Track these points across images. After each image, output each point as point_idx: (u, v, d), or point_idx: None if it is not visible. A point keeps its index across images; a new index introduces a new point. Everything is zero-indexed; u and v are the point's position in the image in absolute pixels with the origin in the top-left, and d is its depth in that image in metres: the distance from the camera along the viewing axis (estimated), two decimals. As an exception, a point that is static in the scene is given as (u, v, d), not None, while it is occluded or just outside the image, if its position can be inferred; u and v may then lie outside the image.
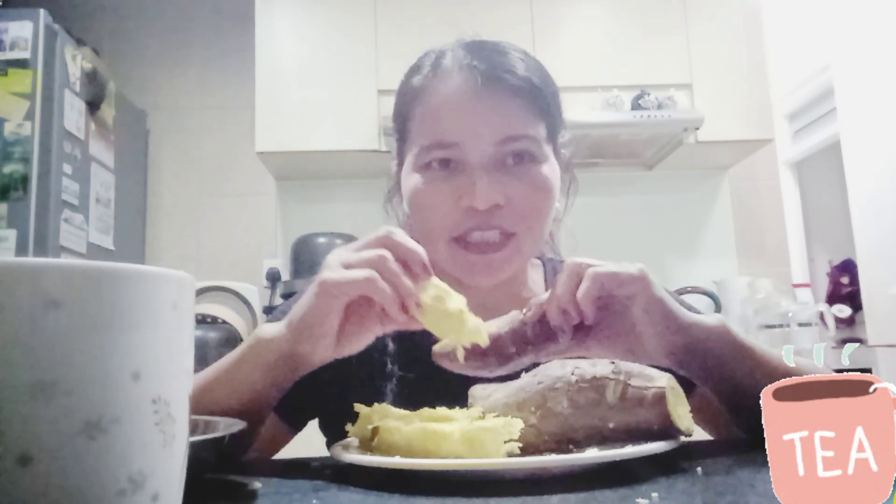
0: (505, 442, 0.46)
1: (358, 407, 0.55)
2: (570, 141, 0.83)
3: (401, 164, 0.80)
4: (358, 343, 0.59)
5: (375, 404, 0.55)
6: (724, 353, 0.58)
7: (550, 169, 0.74)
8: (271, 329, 0.61)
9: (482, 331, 0.55)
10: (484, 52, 0.74)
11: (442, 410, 0.53)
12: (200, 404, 0.59)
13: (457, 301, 0.55)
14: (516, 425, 0.47)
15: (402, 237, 0.56)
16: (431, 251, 0.73)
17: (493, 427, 0.46)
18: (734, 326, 0.60)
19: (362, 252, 0.55)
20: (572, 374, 0.52)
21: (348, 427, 0.55)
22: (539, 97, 0.73)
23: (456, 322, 0.54)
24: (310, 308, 0.56)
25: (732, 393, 0.61)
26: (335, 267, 0.56)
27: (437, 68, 0.75)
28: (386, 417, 0.52)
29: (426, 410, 0.53)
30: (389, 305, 0.53)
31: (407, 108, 0.77)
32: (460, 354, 0.55)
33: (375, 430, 0.51)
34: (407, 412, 0.54)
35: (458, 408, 0.55)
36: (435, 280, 0.55)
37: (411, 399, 0.60)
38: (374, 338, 0.59)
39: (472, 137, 0.71)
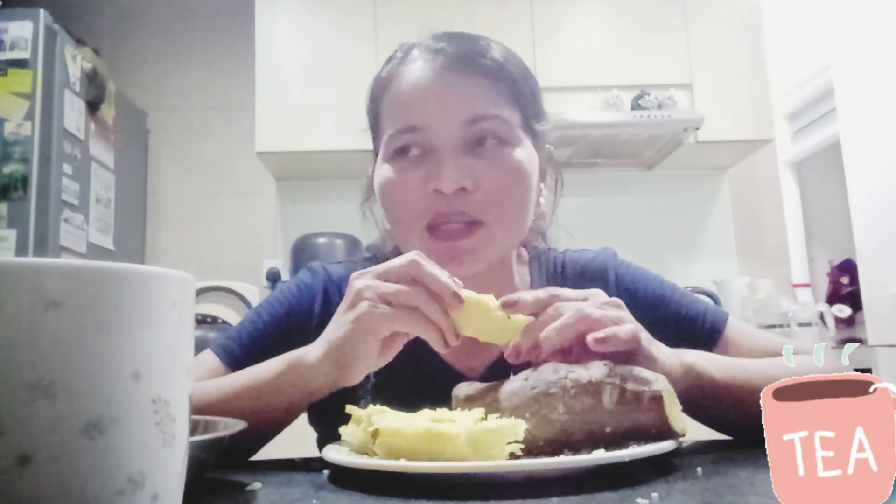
0: (508, 443, 0.46)
1: (350, 409, 0.54)
2: (552, 131, 0.80)
3: (374, 160, 0.78)
4: (391, 355, 0.60)
5: (371, 405, 0.54)
6: (696, 395, 0.59)
7: (526, 154, 0.71)
8: (308, 358, 0.61)
9: (527, 320, 0.56)
10: (454, 38, 0.73)
11: (443, 412, 0.53)
12: (224, 409, 0.60)
13: (492, 302, 0.57)
14: (520, 426, 0.47)
15: (430, 266, 0.56)
16: (406, 242, 0.72)
17: (498, 428, 0.46)
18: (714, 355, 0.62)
19: (399, 288, 0.56)
20: (566, 378, 0.51)
21: (342, 429, 0.55)
22: (508, 80, 0.71)
23: (508, 328, 0.57)
24: (352, 342, 0.57)
25: (712, 423, 0.65)
26: (373, 298, 0.56)
27: (405, 56, 0.74)
28: (383, 419, 0.51)
29: (426, 412, 0.53)
30: (433, 342, 0.56)
31: (377, 100, 0.76)
32: (523, 348, 0.57)
33: (376, 433, 0.50)
34: (406, 414, 0.53)
35: (445, 409, 0.54)
36: (466, 294, 0.57)
37: (386, 401, 0.59)
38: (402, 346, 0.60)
39: (438, 119, 0.69)
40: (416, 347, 0.78)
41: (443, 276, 0.55)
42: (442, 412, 0.53)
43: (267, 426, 0.64)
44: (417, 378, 0.71)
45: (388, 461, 0.47)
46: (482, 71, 0.70)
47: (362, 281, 0.58)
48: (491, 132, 0.70)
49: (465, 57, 0.70)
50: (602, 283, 0.79)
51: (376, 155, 0.78)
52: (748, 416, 0.58)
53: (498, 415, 0.51)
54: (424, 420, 0.50)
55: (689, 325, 0.76)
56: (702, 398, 0.60)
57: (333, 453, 0.51)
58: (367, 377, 0.74)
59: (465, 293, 0.56)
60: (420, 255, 0.57)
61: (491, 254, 0.71)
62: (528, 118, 0.74)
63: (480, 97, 0.70)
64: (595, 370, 0.51)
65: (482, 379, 0.61)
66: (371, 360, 0.58)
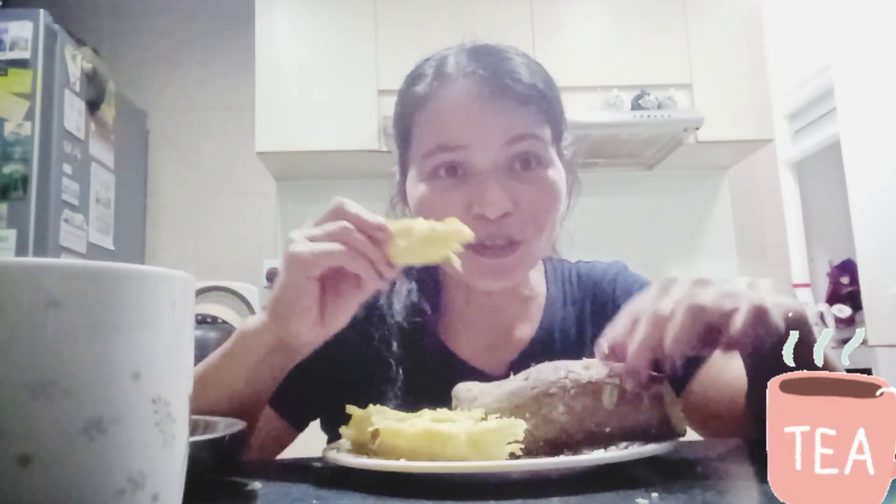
0: (508, 443, 0.46)
1: (350, 409, 0.54)
2: (573, 143, 0.83)
3: (404, 173, 0.79)
4: (344, 315, 0.59)
5: (371, 405, 0.54)
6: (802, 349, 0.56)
7: (556, 172, 0.74)
8: (253, 321, 0.61)
9: (460, 226, 0.56)
10: (487, 58, 0.74)
11: (443, 412, 0.53)
12: (194, 399, 0.59)
13: (420, 224, 0.56)
14: (520, 426, 0.47)
15: (355, 207, 0.56)
16: None
17: (497, 428, 0.46)
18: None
19: (325, 225, 0.56)
20: (566, 378, 0.51)
21: (342, 429, 0.54)
22: (543, 101, 0.73)
23: (434, 239, 0.55)
24: (284, 286, 0.56)
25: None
26: (301, 240, 0.56)
27: (441, 75, 0.74)
28: (384, 419, 0.51)
29: (426, 412, 0.53)
30: (364, 272, 0.55)
31: (409, 115, 0.76)
32: (457, 263, 0.56)
33: (376, 433, 0.50)
34: (405, 414, 0.53)
35: (446, 409, 0.54)
36: (392, 223, 0.56)
37: (415, 401, 0.59)
38: (358, 307, 0.60)
39: (478, 139, 0.70)
40: (441, 351, 0.78)
41: (365, 213, 0.56)
42: (442, 412, 0.53)
43: (239, 407, 0.63)
44: (442, 379, 0.72)
45: (387, 461, 0.46)
46: (519, 97, 0.71)
47: (295, 231, 0.58)
48: (529, 152, 0.71)
49: (502, 83, 0.71)
50: (611, 297, 0.82)
51: (402, 167, 0.79)
52: None
53: (497, 415, 0.51)
54: (424, 420, 0.50)
55: None
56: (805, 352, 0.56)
57: (333, 453, 0.51)
58: (395, 378, 0.74)
59: (391, 223, 0.56)
60: (345, 199, 0.57)
61: (529, 268, 0.75)
62: (557, 134, 0.76)
63: (519, 119, 0.71)
64: (595, 370, 0.51)
65: (506, 377, 0.62)
66: (308, 307, 0.56)
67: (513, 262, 0.71)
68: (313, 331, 0.58)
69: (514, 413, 0.50)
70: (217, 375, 0.63)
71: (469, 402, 0.54)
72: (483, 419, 0.49)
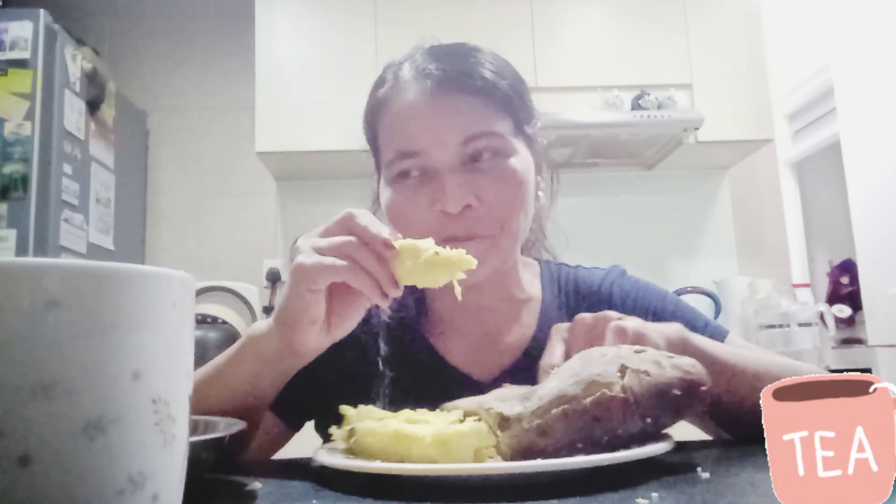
0: (486, 448, 0.46)
1: (343, 408, 0.54)
2: (543, 129, 0.81)
3: (378, 178, 0.80)
4: (350, 322, 0.59)
5: (360, 406, 0.54)
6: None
7: (520, 161, 0.73)
8: (262, 326, 0.62)
9: (465, 256, 0.55)
10: (443, 57, 0.74)
11: (420, 412, 0.53)
12: (198, 400, 0.60)
13: (427, 245, 0.56)
14: (487, 431, 0.46)
15: (364, 219, 0.56)
16: None
17: (468, 431, 0.45)
18: (730, 328, 0.61)
19: (332, 239, 0.56)
20: (621, 361, 0.50)
21: (332, 429, 0.54)
22: (497, 92, 0.72)
23: (439, 263, 0.55)
24: (291, 296, 0.56)
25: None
26: (308, 252, 0.56)
27: (397, 79, 0.76)
28: (366, 419, 0.51)
29: (406, 412, 0.53)
30: (367, 290, 0.55)
31: (374, 121, 0.78)
32: (458, 291, 0.56)
33: (352, 431, 0.50)
34: (387, 413, 0.53)
35: (426, 409, 0.54)
36: (400, 242, 0.56)
37: (405, 401, 0.60)
38: (365, 312, 0.60)
39: (434, 143, 0.70)
40: (428, 353, 0.78)
41: (374, 227, 0.56)
42: (420, 413, 0.53)
43: (243, 409, 0.63)
44: (429, 381, 0.72)
45: (361, 462, 0.47)
46: (473, 90, 0.71)
47: (303, 239, 0.58)
48: (486, 148, 0.71)
49: (455, 78, 0.72)
50: (607, 301, 0.81)
51: (377, 169, 0.80)
52: (741, 404, 0.59)
53: (476, 417, 0.50)
54: (397, 421, 0.50)
55: (689, 322, 0.76)
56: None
57: (324, 454, 0.51)
58: (383, 378, 0.74)
59: (399, 242, 0.56)
60: (355, 210, 0.57)
61: (496, 260, 0.73)
62: (520, 123, 0.75)
63: (472, 115, 0.71)
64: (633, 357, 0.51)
65: (492, 382, 0.62)
66: (315, 319, 0.57)
67: (476, 253, 0.70)
68: (319, 337, 0.58)
69: (570, 410, 0.48)
70: (223, 378, 0.63)
71: (520, 404, 0.49)
72: (459, 421, 0.49)
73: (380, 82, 0.78)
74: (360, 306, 0.59)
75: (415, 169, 0.72)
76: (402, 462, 0.45)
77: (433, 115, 0.71)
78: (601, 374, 0.48)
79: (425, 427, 0.47)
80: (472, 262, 0.56)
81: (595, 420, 0.47)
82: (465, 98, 0.71)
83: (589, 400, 0.47)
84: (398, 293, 0.56)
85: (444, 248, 0.56)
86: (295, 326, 0.57)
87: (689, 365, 0.52)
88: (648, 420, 0.48)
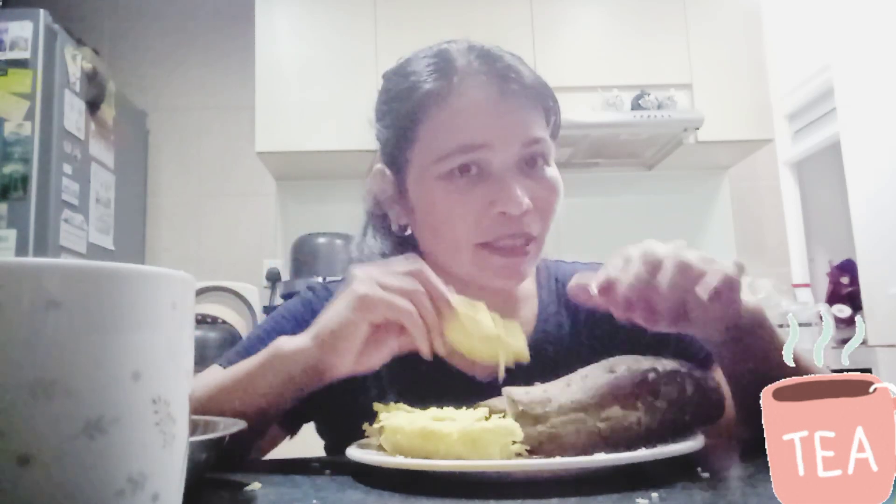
0: (513, 443, 0.46)
1: (377, 406, 0.56)
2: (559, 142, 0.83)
3: (397, 171, 0.76)
4: (376, 360, 0.60)
5: (391, 403, 0.56)
6: (765, 339, 0.58)
7: (554, 171, 0.75)
8: (294, 342, 0.62)
9: (524, 349, 0.57)
10: (491, 58, 0.74)
11: (447, 410, 0.54)
12: (215, 406, 0.61)
13: (484, 317, 0.58)
14: (517, 427, 0.47)
15: (433, 276, 0.59)
16: (454, 258, 0.73)
17: (493, 428, 0.46)
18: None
19: (402, 279, 0.58)
20: (659, 366, 0.52)
21: (365, 426, 0.56)
22: (546, 103, 0.75)
23: (493, 340, 0.57)
24: (343, 320, 0.58)
25: (756, 383, 0.61)
26: (370, 283, 0.58)
27: (451, 73, 0.72)
28: (395, 416, 0.53)
29: (433, 410, 0.54)
30: (420, 339, 0.57)
31: (414, 112, 0.73)
32: (502, 372, 0.57)
33: (382, 429, 0.52)
34: (415, 410, 0.55)
35: (452, 407, 0.55)
36: (461, 305, 0.58)
37: (405, 402, 0.60)
38: (389, 357, 0.61)
39: (500, 140, 0.70)
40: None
41: (441, 286, 0.58)
42: (447, 411, 0.54)
43: (259, 422, 0.64)
44: (426, 382, 0.72)
45: (385, 457, 0.48)
46: (528, 95, 0.73)
47: (364, 270, 0.60)
48: (540, 153, 0.73)
49: (516, 80, 0.72)
50: None
51: (396, 165, 0.76)
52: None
53: (502, 414, 0.51)
54: (424, 418, 0.50)
55: (689, 341, 0.76)
56: (768, 343, 0.58)
57: (352, 450, 0.52)
58: (381, 380, 0.74)
59: (455, 300, 0.58)
60: (426, 267, 0.59)
61: (532, 268, 0.75)
62: (554, 135, 0.78)
63: (532, 121, 0.73)
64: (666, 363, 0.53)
65: (492, 382, 0.62)
66: (356, 347, 0.58)
67: (526, 261, 0.72)
68: (348, 366, 0.60)
69: (603, 407, 0.49)
70: (244, 391, 0.63)
71: (541, 406, 0.49)
72: (485, 419, 0.49)
73: (417, 73, 0.74)
74: (389, 348, 0.60)
75: (474, 165, 0.71)
76: (430, 458, 0.46)
77: (503, 113, 0.71)
78: (624, 395, 0.50)
79: (452, 424, 0.48)
80: (526, 357, 0.58)
81: (603, 439, 0.48)
82: (526, 102, 0.72)
83: (603, 425, 0.48)
84: (444, 351, 0.58)
85: (497, 316, 0.58)
86: (337, 348, 0.59)
87: (713, 390, 0.54)
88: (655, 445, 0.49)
